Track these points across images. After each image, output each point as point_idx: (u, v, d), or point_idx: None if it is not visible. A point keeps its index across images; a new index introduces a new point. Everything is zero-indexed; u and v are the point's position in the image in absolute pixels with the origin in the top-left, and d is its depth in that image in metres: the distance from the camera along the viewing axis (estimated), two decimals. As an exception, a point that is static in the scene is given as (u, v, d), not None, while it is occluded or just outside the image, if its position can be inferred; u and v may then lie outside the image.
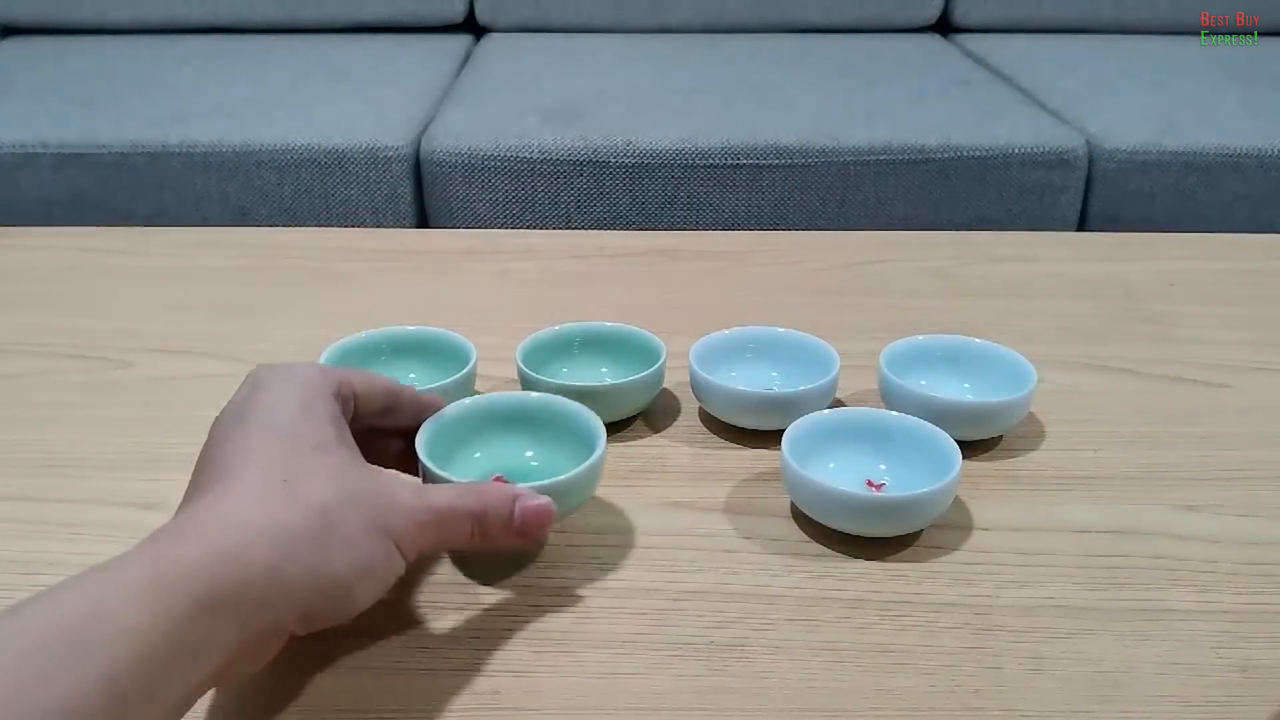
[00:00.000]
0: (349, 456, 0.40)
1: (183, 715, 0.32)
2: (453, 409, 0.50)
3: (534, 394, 0.53)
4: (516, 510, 0.41)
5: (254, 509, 0.35)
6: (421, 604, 0.46)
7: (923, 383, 0.60)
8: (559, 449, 0.51)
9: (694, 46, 1.81)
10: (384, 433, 0.48)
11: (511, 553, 0.49)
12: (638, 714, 0.41)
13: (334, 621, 0.37)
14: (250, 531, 0.34)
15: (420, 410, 0.48)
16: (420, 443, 0.47)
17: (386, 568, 0.38)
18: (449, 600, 0.46)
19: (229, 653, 0.33)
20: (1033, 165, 1.39)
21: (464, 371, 0.57)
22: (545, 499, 0.42)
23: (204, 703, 0.41)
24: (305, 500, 0.36)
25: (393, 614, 0.45)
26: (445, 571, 0.48)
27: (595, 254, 0.85)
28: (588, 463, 0.46)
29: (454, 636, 0.44)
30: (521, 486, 0.43)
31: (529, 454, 0.52)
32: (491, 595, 0.46)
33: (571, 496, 0.46)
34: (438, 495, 0.40)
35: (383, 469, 0.43)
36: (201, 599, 0.32)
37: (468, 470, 0.50)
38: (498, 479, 0.50)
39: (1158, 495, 0.54)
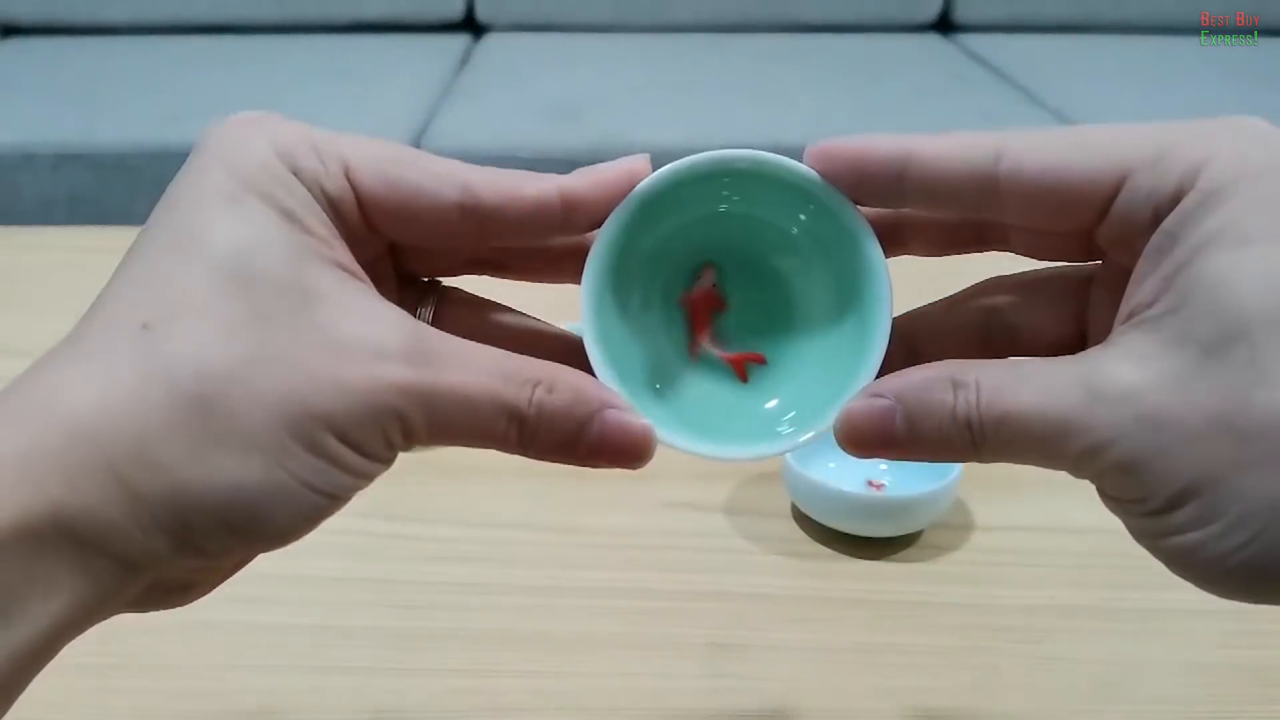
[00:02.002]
0: (285, 275, 0.23)
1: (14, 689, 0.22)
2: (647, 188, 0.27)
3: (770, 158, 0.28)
4: (596, 426, 0.25)
5: (81, 380, 0.22)
6: (419, 604, 0.46)
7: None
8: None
9: (694, 46, 1.81)
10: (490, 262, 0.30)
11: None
12: (638, 714, 0.41)
13: (250, 552, 0.25)
14: (66, 422, 0.22)
15: (537, 216, 0.26)
16: (588, 275, 0.27)
17: (318, 475, 0.23)
18: (448, 600, 0.46)
19: (71, 607, 0.22)
20: (1033, 165, 1.39)
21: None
22: (644, 429, 0.25)
23: (197, 702, 0.41)
24: (168, 363, 0.22)
25: (390, 614, 0.45)
26: (442, 570, 0.48)
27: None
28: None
29: (453, 636, 0.44)
30: (610, 391, 0.26)
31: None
32: (491, 595, 0.46)
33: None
34: (452, 363, 0.24)
35: (362, 300, 0.24)
36: None
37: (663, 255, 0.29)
38: (705, 275, 0.29)
39: (1158, 495, 0.54)
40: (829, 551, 0.49)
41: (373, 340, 0.23)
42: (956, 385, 0.24)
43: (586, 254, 0.27)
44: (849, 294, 0.27)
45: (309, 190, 0.25)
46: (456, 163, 0.26)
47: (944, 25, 1.95)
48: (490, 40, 1.88)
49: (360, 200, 0.25)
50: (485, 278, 0.30)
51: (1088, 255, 0.27)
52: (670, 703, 0.41)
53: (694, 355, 0.29)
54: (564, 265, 0.29)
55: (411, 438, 0.24)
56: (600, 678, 0.42)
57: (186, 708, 0.41)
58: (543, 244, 0.29)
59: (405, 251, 0.29)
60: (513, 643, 0.44)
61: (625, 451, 0.25)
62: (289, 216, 0.24)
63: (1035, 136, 0.24)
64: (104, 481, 0.21)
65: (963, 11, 1.92)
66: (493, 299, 0.30)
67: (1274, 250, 0.22)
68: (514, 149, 1.36)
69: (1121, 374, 0.22)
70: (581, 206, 0.26)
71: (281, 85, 1.59)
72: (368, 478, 0.24)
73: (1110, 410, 0.22)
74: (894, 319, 0.27)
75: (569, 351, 0.27)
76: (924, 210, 0.27)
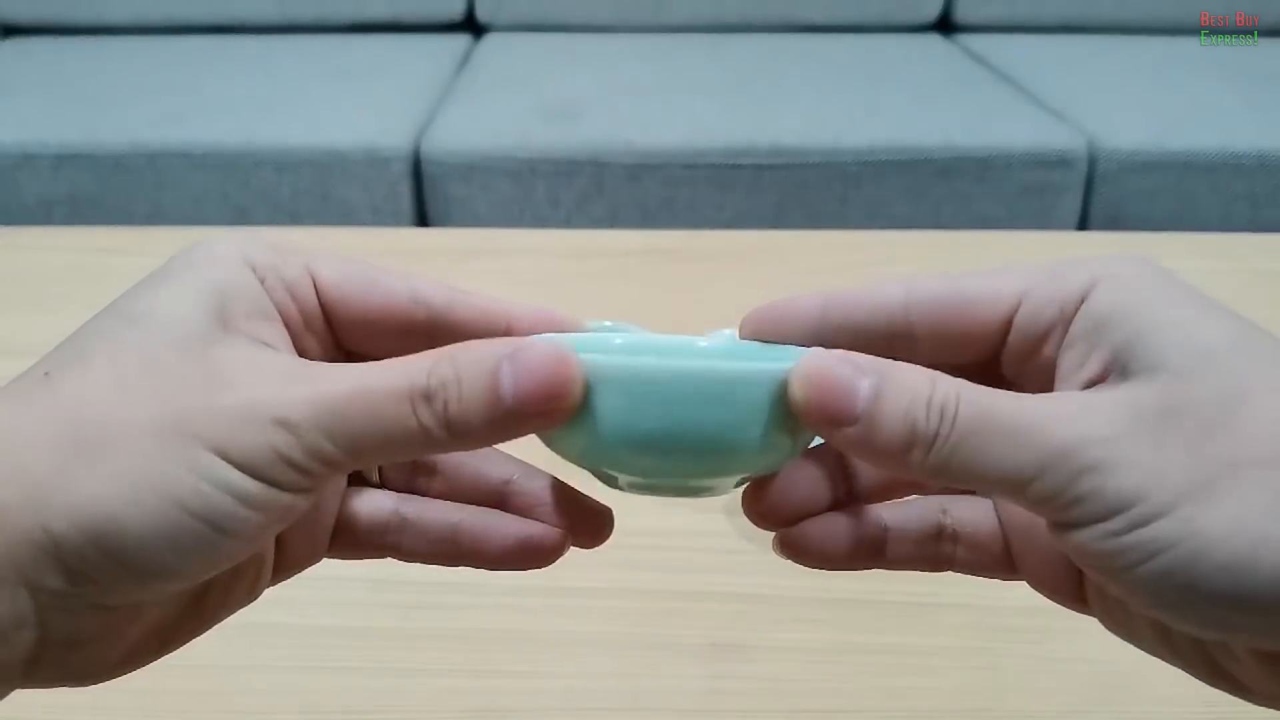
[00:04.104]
0: (187, 334, 0.24)
1: None
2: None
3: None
4: (506, 372, 0.23)
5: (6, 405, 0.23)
6: (419, 604, 0.46)
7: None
8: None
9: (694, 46, 1.81)
10: None
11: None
12: (638, 714, 0.41)
13: (138, 585, 0.23)
14: None
15: (482, 321, 0.27)
16: None
17: (196, 498, 0.22)
18: (448, 600, 0.46)
19: None
20: (1033, 165, 1.39)
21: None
22: (557, 350, 0.23)
23: (197, 702, 0.41)
24: (55, 393, 0.23)
25: (389, 614, 0.45)
26: (442, 570, 0.48)
27: (595, 254, 0.85)
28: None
29: (454, 636, 0.44)
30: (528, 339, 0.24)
31: None
32: (491, 595, 0.46)
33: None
34: (342, 374, 0.23)
35: (258, 349, 0.24)
36: None
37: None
38: None
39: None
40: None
41: (256, 366, 0.23)
42: (936, 379, 0.23)
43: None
44: None
45: (261, 281, 0.25)
46: (419, 281, 0.27)
47: (944, 25, 1.95)
48: (490, 40, 1.88)
49: (318, 287, 0.26)
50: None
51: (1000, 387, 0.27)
52: (670, 703, 0.41)
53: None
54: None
55: (318, 454, 0.23)
56: (600, 678, 0.42)
57: (186, 707, 0.41)
58: None
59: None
60: (513, 643, 0.44)
61: (554, 382, 0.23)
62: (217, 292, 0.24)
63: (938, 275, 0.26)
64: None
65: (963, 11, 1.92)
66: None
67: (1205, 312, 0.23)
68: (514, 149, 1.36)
69: (1106, 393, 0.22)
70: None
71: (281, 85, 1.59)
72: (266, 509, 0.23)
73: (1104, 411, 0.22)
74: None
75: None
76: (846, 346, 0.27)
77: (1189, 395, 0.21)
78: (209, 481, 0.22)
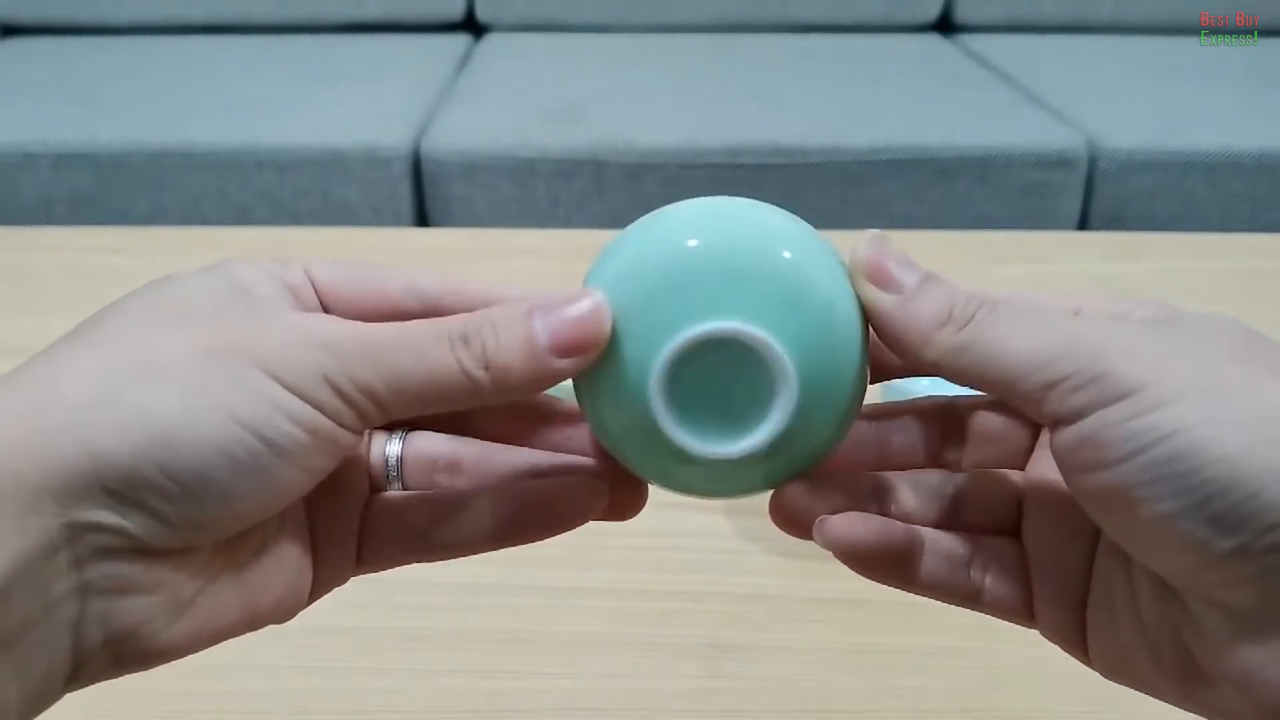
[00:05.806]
0: (219, 289, 0.25)
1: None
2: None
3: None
4: (538, 315, 0.24)
5: (38, 360, 0.23)
6: (419, 604, 0.46)
7: (924, 382, 0.60)
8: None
9: (694, 46, 1.81)
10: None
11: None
12: (638, 714, 0.41)
13: (191, 513, 0.22)
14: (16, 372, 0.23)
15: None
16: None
17: (245, 408, 0.22)
18: (448, 600, 0.46)
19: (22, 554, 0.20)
20: (1033, 165, 1.39)
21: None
22: (590, 299, 0.25)
23: (195, 702, 0.41)
24: (92, 333, 0.23)
25: (390, 614, 0.45)
26: (442, 570, 0.48)
27: (595, 254, 0.85)
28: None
29: (454, 636, 0.44)
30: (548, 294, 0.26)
31: None
32: (491, 595, 0.46)
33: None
34: (378, 326, 0.24)
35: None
36: None
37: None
38: None
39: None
40: (829, 551, 0.49)
41: (298, 311, 0.25)
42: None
43: (550, 420, 0.29)
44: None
45: (268, 278, 0.26)
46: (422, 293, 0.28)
47: (944, 25, 1.95)
48: (490, 40, 1.88)
49: (316, 287, 0.27)
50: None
51: None
52: (670, 703, 0.41)
53: None
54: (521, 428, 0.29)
55: (363, 386, 0.23)
56: (600, 678, 0.42)
57: (186, 707, 0.41)
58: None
59: None
60: (513, 643, 0.44)
61: (582, 318, 0.24)
62: (238, 279, 0.25)
63: None
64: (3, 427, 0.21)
65: (963, 11, 1.92)
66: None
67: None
68: (514, 149, 1.36)
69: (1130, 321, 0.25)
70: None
71: (281, 85, 1.59)
72: (314, 431, 0.23)
73: (1127, 325, 0.24)
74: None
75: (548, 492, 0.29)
76: None
77: (1202, 334, 0.24)
78: (259, 396, 0.23)
